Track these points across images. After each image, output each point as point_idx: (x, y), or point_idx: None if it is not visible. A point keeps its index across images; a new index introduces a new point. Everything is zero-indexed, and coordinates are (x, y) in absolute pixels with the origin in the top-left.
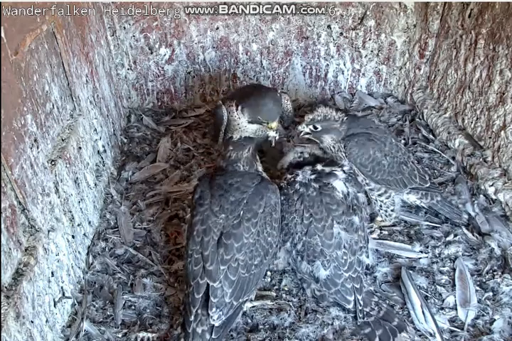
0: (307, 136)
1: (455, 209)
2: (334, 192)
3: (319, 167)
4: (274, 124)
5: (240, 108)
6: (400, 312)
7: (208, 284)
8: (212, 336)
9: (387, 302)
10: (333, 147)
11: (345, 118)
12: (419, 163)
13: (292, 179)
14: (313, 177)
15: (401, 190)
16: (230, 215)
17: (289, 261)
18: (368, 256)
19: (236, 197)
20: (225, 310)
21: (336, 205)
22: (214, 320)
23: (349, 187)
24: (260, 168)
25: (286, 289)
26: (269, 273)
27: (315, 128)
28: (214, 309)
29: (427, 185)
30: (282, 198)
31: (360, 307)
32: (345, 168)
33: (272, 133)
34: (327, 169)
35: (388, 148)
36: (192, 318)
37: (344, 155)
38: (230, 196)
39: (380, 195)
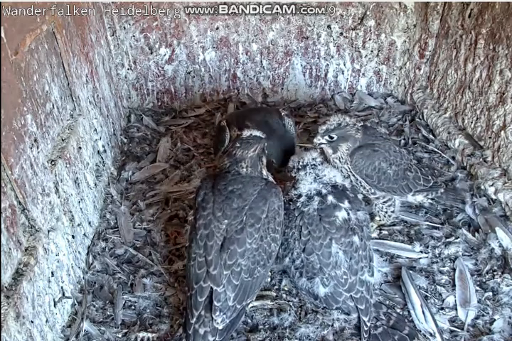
0: (323, 146)
1: (457, 195)
2: (336, 220)
3: (329, 199)
4: None
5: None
6: (401, 313)
7: (211, 288)
8: (217, 338)
9: (396, 309)
10: (342, 158)
11: (360, 124)
12: (419, 163)
13: (296, 198)
14: (318, 207)
15: (406, 195)
16: (233, 221)
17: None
18: (371, 275)
19: (238, 204)
20: (228, 313)
21: (334, 230)
22: (218, 323)
23: (351, 213)
24: (265, 172)
25: (286, 289)
26: (269, 273)
27: (330, 138)
28: (218, 313)
29: (430, 185)
30: (284, 212)
31: (365, 328)
32: (350, 197)
33: None
34: (334, 201)
35: (393, 157)
36: (194, 321)
37: (350, 168)
38: (232, 203)
39: (384, 202)
